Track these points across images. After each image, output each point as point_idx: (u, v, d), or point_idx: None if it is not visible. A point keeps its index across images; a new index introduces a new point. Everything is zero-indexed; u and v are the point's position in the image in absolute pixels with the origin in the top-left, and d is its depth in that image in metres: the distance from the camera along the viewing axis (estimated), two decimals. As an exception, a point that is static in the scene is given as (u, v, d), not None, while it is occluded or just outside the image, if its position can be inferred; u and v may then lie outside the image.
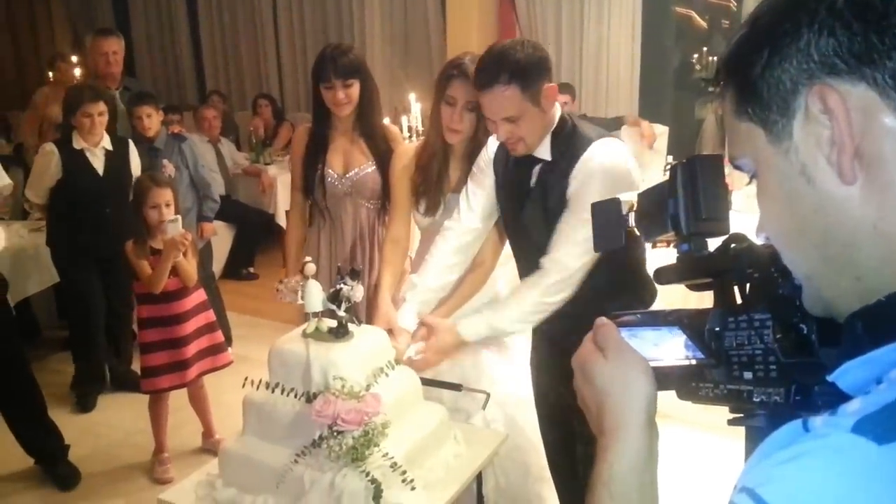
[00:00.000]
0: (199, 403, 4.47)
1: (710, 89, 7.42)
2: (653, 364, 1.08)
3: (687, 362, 1.09)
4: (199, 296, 4.33)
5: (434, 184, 3.29)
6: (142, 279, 4.15)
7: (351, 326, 2.62)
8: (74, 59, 7.76)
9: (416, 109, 6.14)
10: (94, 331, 5.14)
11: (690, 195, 1.11)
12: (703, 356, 1.08)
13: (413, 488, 2.40)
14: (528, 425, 3.31)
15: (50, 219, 5.05)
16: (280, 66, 9.82)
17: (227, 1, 10.06)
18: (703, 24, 8.35)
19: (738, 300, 1.09)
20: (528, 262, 2.85)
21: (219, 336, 4.42)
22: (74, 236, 4.90)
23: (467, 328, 2.79)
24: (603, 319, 1.14)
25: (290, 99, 9.74)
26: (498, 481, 3.27)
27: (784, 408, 0.96)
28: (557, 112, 2.73)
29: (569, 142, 2.70)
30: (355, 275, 2.61)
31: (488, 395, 3.06)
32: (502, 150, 2.88)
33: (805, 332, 0.95)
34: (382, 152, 3.76)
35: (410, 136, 5.63)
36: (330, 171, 3.74)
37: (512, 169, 2.86)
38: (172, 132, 5.59)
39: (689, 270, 1.15)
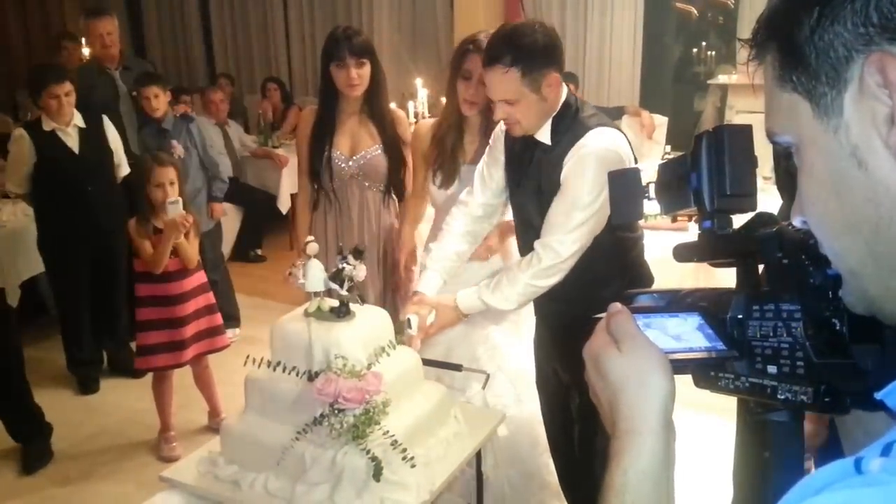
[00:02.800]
0: (203, 384, 4.50)
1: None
2: (670, 356, 0.99)
3: (706, 354, 1.01)
4: (200, 277, 4.35)
5: (449, 156, 3.42)
6: (142, 258, 4.17)
7: (352, 306, 2.64)
8: (83, 39, 7.75)
9: (422, 95, 6.15)
10: (81, 312, 5.10)
11: (715, 168, 1.04)
12: (723, 347, 1.01)
13: (413, 466, 2.42)
14: (526, 402, 3.37)
15: (34, 205, 5.01)
16: (289, 50, 9.83)
17: (238, -16, 10.07)
18: (699, 18, 8.48)
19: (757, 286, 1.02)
20: (525, 239, 2.91)
21: (218, 318, 4.44)
22: (58, 218, 4.85)
23: (463, 300, 2.82)
24: (617, 306, 1.03)
25: (298, 83, 9.75)
26: (497, 457, 3.30)
27: (811, 408, 0.90)
28: (562, 97, 2.72)
29: (568, 128, 2.70)
30: (358, 254, 2.63)
31: (488, 375, 3.10)
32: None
33: (838, 328, 0.88)
34: (390, 136, 3.79)
35: (416, 122, 5.63)
36: (337, 153, 3.75)
37: (517, 147, 2.88)
38: (181, 113, 5.58)
39: (711, 249, 1.08)
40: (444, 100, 5.98)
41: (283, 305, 5.84)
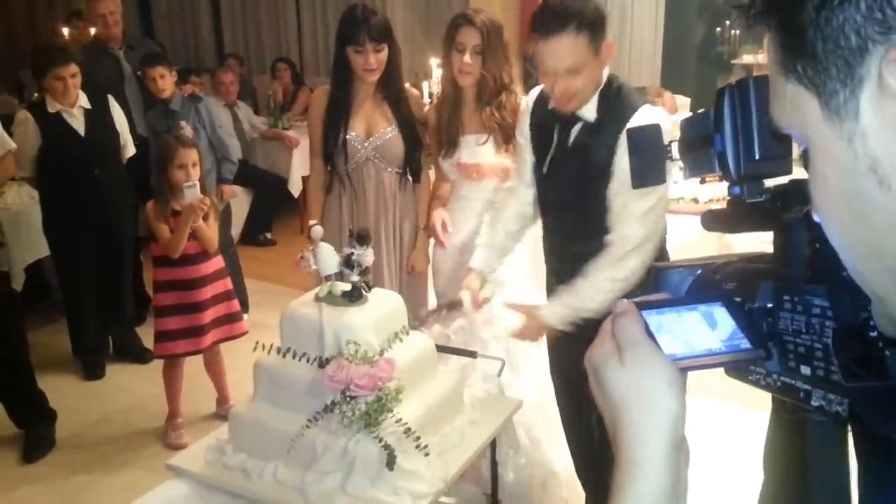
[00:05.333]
0: (214, 370, 4.43)
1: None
2: (686, 363, 0.85)
3: (728, 357, 0.86)
4: (218, 262, 4.27)
5: (446, 126, 3.58)
6: (160, 242, 4.09)
7: (364, 290, 2.57)
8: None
9: (437, 75, 6.05)
10: (86, 297, 5.02)
11: (741, 129, 0.90)
12: (749, 346, 0.86)
13: (427, 454, 2.36)
14: (537, 382, 3.37)
15: (39, 188, 4.93)
16: (300, 31, 9.74)
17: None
18: None
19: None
20: (559, 223, 2.87)
21: (235, 305, 4.37)
22: (64, 201, 4.76)
23: (549, 314, 2.77)
24: (624, 304, 0.88)
25: (309, 64, 9.66)
26: (513, 444, 3.26)
27: (850, 423, 0.81)
28: (606, 72, 2.70)
29: (615, 104, 2.67)
30: (363, 240, 2.55)
31: (503, 361, 3.04)
32: (538, 111, 2.87)
33: (873, 336, 0.75)
34: (405, 116, 3.72)
35: (432, 101, 5.54)
36: (353, 135, 3.67)
37: (551, 129, 2.82)
38: (189, 93, 5.48)
39: (741, 219, 0.95)
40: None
41: (292, 290, 5.77)
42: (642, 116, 2.59)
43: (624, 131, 2.55)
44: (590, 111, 2.68)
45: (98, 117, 4.80)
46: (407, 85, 4.18)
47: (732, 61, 7.79)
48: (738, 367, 0.89)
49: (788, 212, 0.87)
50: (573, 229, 2.83)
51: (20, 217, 5.12)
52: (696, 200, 4.64)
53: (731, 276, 0.93)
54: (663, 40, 7.55)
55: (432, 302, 3.89)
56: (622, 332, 0.85)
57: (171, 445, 4.16)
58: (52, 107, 4.65)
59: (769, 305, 0.86)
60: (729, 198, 0.95)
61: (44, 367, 4.94)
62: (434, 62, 6.24)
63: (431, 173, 4.00)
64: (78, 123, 4.71)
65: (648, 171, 1.13)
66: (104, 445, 4.26)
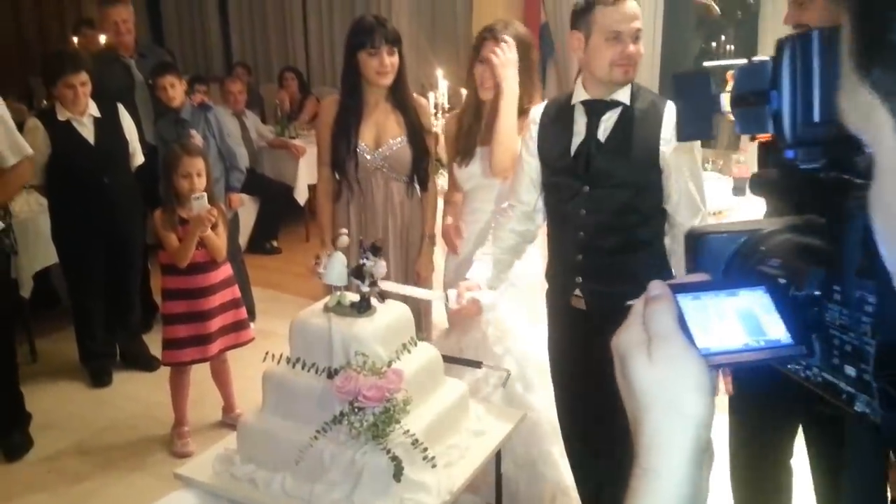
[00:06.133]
0: (221, 378, 4.44)
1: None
2: (719, 359, 0.78)
3: (767, 354, 0.79)
4: (226, 270, 4.28)
5: (465, 134, 3.58)
6: (167, 251, 4.10)
7: (373, 301, 2.58)
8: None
9: (442, 86, 6.07)
10: (94, 304, 5.03)
11: (801, 87, 0.81)
12: (790, 342, 0.79)
13: (434, 466, 2.37)
14: (540, 386, 3.36)
15: (48, 196, 4.94)
16: (307, 40, 9.77)
17: (256, -27, 10.02)
18: (719, 13, 8.44)
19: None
20: (590, 216, 2.83)
21: (242, 312, 4.38)
22: (73, 209, 4.76)
23: None
24: (658, 287, 0.81)
25: (316, 73, 9.68)
26: (515, 458, 3.27)
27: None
28: None
29: (643, 92, 2.79)
30: (376, 250, 2.56)
31: (509, 372, 3.07)
32: (545, 121, 2.94)
33: None
34: (415, 125, 3.75)
35: (437, 113, 5.55)
36: (362, 144, 3.69)
37: (567, 130, 2.87)
38: (199, 102, 5.51)
39: (792, 188, 0.87)
40: (463, 91, 5.98)
41: (297, 298, 5.81)
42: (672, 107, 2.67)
43: (665, 116, 2.69)
44: (624, 95, 2.77)
45: (108, 125, 4.82)
46: (415, 94, 4.21)
47: (728, 73, 7.84)
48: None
49: (845, 191, 0.78)
50: (612, 221, 2.82)
51: (28, 224, 5.13)
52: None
53: (776, 251, 0.87)
54: (661, 54, 7.55)
55: (437, 312, 3.91)
56: (654, 320, 0.79)
57: (177, 453, 4.17)
58: (62, 115, 4.67)
59: (816, 294, 0.78)
60: (781, 162, 0.86)
61: (51, 374, 4.98)
62: (440, 73, 6.26)
63: (439, 181, 4.03)
64: (87, 132, 4.73)
65: (695, 123, 1.01)
66: (110, 452, 4.27)
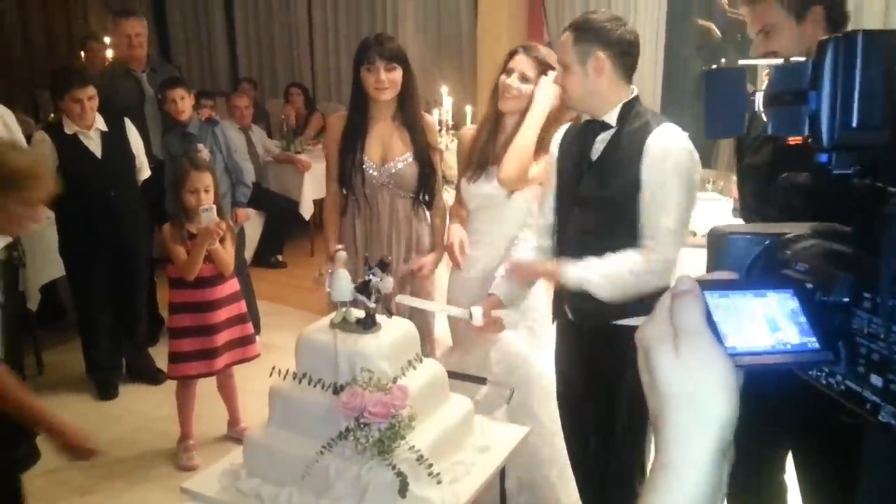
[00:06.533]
0: (227, 392, 4.46)
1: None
2: (746, 360, 0.77)
3: (792, 357, 0.78)
4: (233, 285, 4.31)
5: (481, 148, 3.53)
6: (176, 264, 4.13)
7: (379, 318, 2.60)
8: (107, 40, 7.73)
9: (447, 103, 6.11)
10: (101, 317, 5.06)
11: (842, 89, 0.79)
12: (817, 347, 0.78)
13: (439, 482, 2.38)
14: (541, 412, 3.38)
15: (56, 210, 4.97)
16: (313, 56, 9.82)
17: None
18: (720, 36, 8.48)
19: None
20: (581, 236, 2.88)
21: (249, 328, 4.41)
22: (80, 223, 4.80)
23: (568, 270, 2.80)
24: (686, 282, 0.80)
25: (321, 88, 9.73)
26: (520, 476, 3.28)
27: None
28: (631, 92, 2.85)
29: (635, 116, 2.80)
30: (384, 266, 2.59)
31: (512, 389, 3.08)
32: (564, 143, 3.01)
33: None
34: (422, 143, 3.76)
35: (441, 130, 5.59)
36: (368, 161, 3.71)
37: (575, 144, 2.94)
38: (206, 117, 5.55)
39: (821, 193, 0.86)
40: (468, 108, 6.02)
41: (302, 312, 5.84)
42: (664, 131, 2.72)
43: (647, 143, 2.70)
44: (611, 117, 2.81)
45: (114, 139, 4.86)
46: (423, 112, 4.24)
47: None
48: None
49: (880, 198, 0.78)
50: (594, 241, 2.84)
51: (36, 237, 5.15)
52: (693, 233, 4.59)
53: (803, 256, 0.85)
54: (662, 77, 7.56)
55: (441, 329, 3.93)
56: (681, 315, 0.78)
57: (183, 467, 4.19)
58: (69, 128, 4.71)
59: (845, 300, 0.77)
60: (812, 166, 0.84)
61: (56, 387, 5.00)
62: (444, 90, 6.31)
63: (444, 196, 4.03)
64: (94, 145, 4.77)
65: (725, 119, 0.97)
66: (115, 465, 4.27)
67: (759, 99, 0.92)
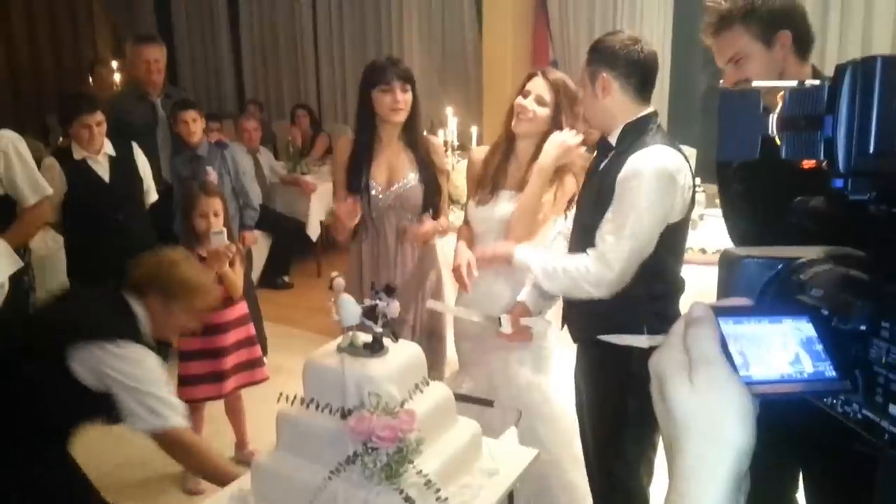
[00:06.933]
0: (235, 415, 4.47)
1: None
2: (762, 389, 0.76)
3: (808, 386, 0.77)
4: (242, 308, 4.33)
5: (493, 172, 3.50)
6: None
7: (386, 341, 2.61)
8: (115, 64, 7.82)
9: (452, 124, 6.13)
10: None
11: (859, 115, 0.77)
12: (833, 375, 0.77)
13: (447, 507, 2.38)
14: (548, 439, 3.37)
15: (64, 234, 5.01)
16: (318, 77, 9.88)
17: (268, 12, 10.15)
18: None
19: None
20: (577, 241, 2.95)
21: (257, 351, 4.42)
22: (88, 247, 4.84)
23: (521, 252, 2.95)
24: (701, 308, 0.79)
25: (327, 110, 9.79)
26: (529, 501, 3.27)
27: None
28: (641, 111, 2.85)
29: (635, 136, 2.81)
30: (390, 291, 2.60)
31: (520, 412, 3.07)
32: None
33: None
34: (427, 164, 3.79)
35: (446, 151, 5.61)
36: (374, 183, 3.73)
37: (594, 158, 3.02)
38: (216, 140, 5.61)
39: (837, 219, 0.85)
40: (473, 129, 6.04)
41: (309, 334, 5.85)
42: (648, 152, 2.73)
43: (629, 159, 2.72)
44: (613, 137, 2.86)
45: (123, 164, 4.90)
46: (428, 134, 4.27)
47: (778, 94, 7.73)
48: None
49: None
50: (587, 246, 2.88)
51: (46, 262, 5.21)
52: (703, 251, 4.59)
53: (818, 281, 0.84)
54: (669, 91, 7.55)
55: (451, 354, 3.92)
56: (696, 343, 0.77)
57: (190, 491, 4.19)
58: (78, 154, 4.75)
59: (862, 328, 0.76)
60: (827, 191, 0.82)
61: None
62: (450, 110, 6.34)
63: (451, 217, 4.04)
64: (103, 170, 4.81)
65: (738, 141, 0.95)
66: (124, 489, 4.28)
67: (771, 122, 0.90)
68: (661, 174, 2.69)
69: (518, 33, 7.73)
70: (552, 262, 2.85)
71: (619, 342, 2.80)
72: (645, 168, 2.69)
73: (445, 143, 5.95)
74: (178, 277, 3.08)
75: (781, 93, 0.88)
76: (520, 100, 3.40)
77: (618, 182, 2.73)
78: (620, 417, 2.87)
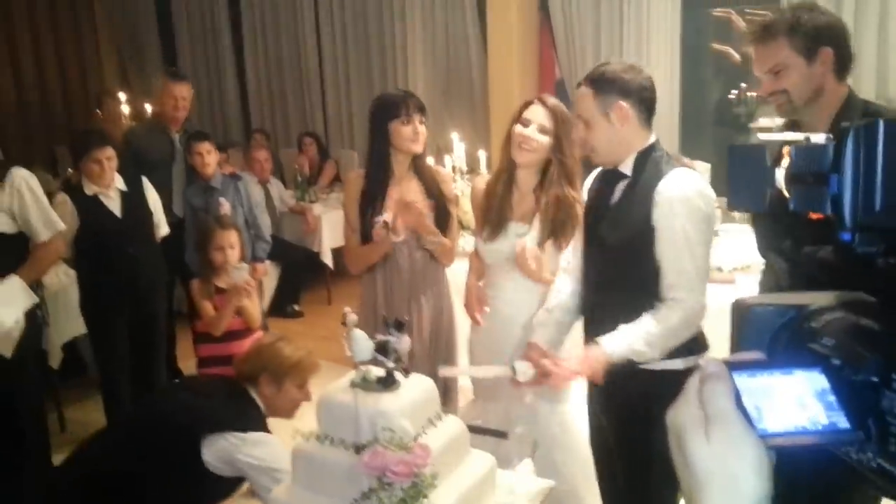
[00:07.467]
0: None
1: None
2: (777, 441, 0.78)
3: (821, 439, 0.79)
4: (259, 338, 4.36)
5: (497, 205, 3.47)
6: (203, 320, 4.20)
7: (398, 376, 2.62)
8: (122, 96, 7.88)
9: (459, 149, 6.15)
10: (120, 374, 5.06)
11: (863, 174, 0.80)
12: (847, 427, 0.78)
13: (463, 542, 2.39)
14: (565, 469, 3.35)
15: (76, 268, 5.05)
16: (324, 104, 9.89)
17: (273, 39, 10.19)
18: (739, 59, 8.25)
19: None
20: (602, 283, 2.93)
21: None
22: (100, 281, 4.86)
23: (611, 346, 2.77)
24: (714, 365, 0.82)
25: (334, 136, 9.81)
26: None
27: None
28: (649, 139, 2.85)
29: (650, 164, 2.80)
30: (400, 326, 2.61)
31: (535, 442, 3.06)
32: (591, 190, 3.05)
33: None
34: (436, 194, 3.79)
35: (454, 177, 5.63)
36: (388, 214, 3.71)
37: (599, 189, 2.98)
38: (230, 172, 5.70)
39: (845, 270, 0.87)
40: (480, 153, 6.05)
41: (322, 363, 5.83)
42: (675, 177, 2.72)
43: (658, 187, 2.71)
44: (626, 166, 2.83)
45: (133, 198, 4.94)
46: (431, 160, 4.28)
47: (750, 125, 7.59)
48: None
49: None
50: (612, 289, 2.87)
51: (58, 296, 5.23)
52: (720, 269, 4.56)
53: (830, 330, 0.85)
54: (680, 104, 7.43)
55: (465, 381, 3.92)
56: (711, 399, 0.81)
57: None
58: (90, 189, 4.78)
59: (874, 379, 0.77)
60: (835, 244, 0.84)
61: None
62: (456, 136, 6.35)
63: (461, 242, 4.02)
64: (114, 205, 4.84)
65: (746, 194, 1.00)
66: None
67: (779, 175, 0.92)
68: (700, 192, 2.72)
69: (523, 55, 7.70)
70: (640, 332, 2.74)
71: (657, 368, 2.75)
72: (684, 191, 2.70)
73: (454, 168, 5.97)
74: (283, 357, 3.33)
75: (788, 148, 0.91)
76: (520, 129, 3.37)
77: (659, 214, 2.71)
78: (650, 450, 2.81)
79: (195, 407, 3.20)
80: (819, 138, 0.87)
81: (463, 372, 3.33)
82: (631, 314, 2.78)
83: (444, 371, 3.20)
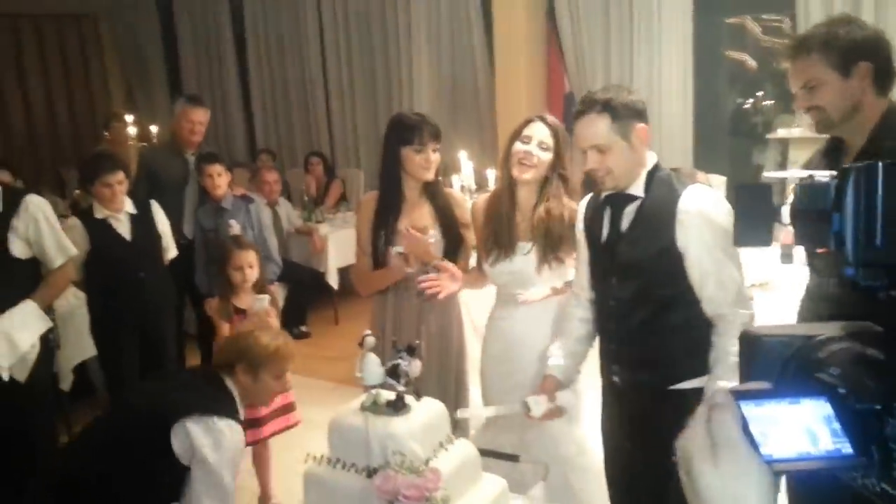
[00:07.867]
0: (262, 464, 4.49)
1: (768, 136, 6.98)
2: (782, 466, 0.81)
3: (830, 464, 0.82)
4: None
5: (504, 227, 3.45)
6: (220, 339, 4.24)
7: (408, 399, 2.64)
8: (129, 118, 7.94)
9: (467, 168, 6.16)
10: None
11: (864, 214, 0.83)
12: (851, 452, 0.81)
13: (475, 567, 2.40)
14: (581, 491, 3.33)
15: (87, 291, 5.08)
16: (330, 124, 9.90)
17: (277, 59, 10.24)
18: (755, 66, 8.07)
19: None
20: (622, 309, 2.89)
21: (290, 395, 4.45)
22: (110, 304, 4.89)
23: (722, 381, 2.68)
24: (722, 395, 0.86)
25: (340, 155, 9.82)
26: None
27: None
28: (654, 158, 2.84)
29: (659, 183, 2.79)
30: (412, 351, 2.63)
31: (547, 466, 3.05)
32: (588, 213, 3.02)
33: None
34: (448, 218, 3.76)
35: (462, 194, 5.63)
36: (398, 248, 3.69)
37: (601, 217, 2.94)
38: (241, 194, 5.75)
39: (852, 305, 0.89)
40: (488, 172, 6.04)
41: (330, 384, 5.85)
42: (692, 194, 2.71)
43: (678, 206, 2.69)
44: (637, 188, 2.81)
45: (143, 222, 4.97)
46: (450, 189, 4.27)
47: (767, 136, 7.23)
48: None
49: None
50: (636, 311, 2.84)
51: (69, 319, 5.25)
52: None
53: (835, 360, 0.88)
54: (694, 114, 7.22)
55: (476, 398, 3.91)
56: (719, 428, 0.84)
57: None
58: (100, 213, 4.81)
59: (878, 407, 0.80)
60: (841, 277, 0.90)
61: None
62: (463, 155, 6.35)
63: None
64: (124, 228, 4.87)
65: (754, 231, 1.04)
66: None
67: (784, 212, 0.97)
68: (721, 214, 2.69)
69: (530, 70, 7.65)
70: (722, 362, 2.70)
71: (689, 387, 2.74)
72: (706, 207, 2.69)
73: (462, 187, 5.98)
74: (259, 345, 3.28)
75: (793, 186, 0.94)
76: (520, 146, 3.35)
77: (684, 234, 2.69)
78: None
79: (165, 394, 3.18)
80: (823, 176, 0.91)
81: (478, 415, 3.31)
82: (653, 337, 2.79)
83: (462, 413, 3.19)
